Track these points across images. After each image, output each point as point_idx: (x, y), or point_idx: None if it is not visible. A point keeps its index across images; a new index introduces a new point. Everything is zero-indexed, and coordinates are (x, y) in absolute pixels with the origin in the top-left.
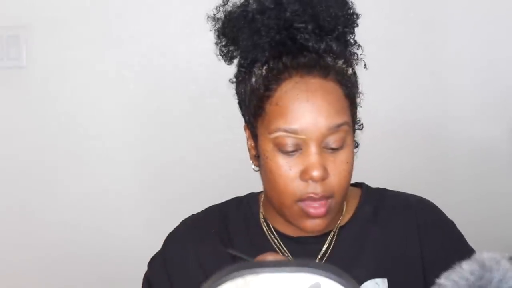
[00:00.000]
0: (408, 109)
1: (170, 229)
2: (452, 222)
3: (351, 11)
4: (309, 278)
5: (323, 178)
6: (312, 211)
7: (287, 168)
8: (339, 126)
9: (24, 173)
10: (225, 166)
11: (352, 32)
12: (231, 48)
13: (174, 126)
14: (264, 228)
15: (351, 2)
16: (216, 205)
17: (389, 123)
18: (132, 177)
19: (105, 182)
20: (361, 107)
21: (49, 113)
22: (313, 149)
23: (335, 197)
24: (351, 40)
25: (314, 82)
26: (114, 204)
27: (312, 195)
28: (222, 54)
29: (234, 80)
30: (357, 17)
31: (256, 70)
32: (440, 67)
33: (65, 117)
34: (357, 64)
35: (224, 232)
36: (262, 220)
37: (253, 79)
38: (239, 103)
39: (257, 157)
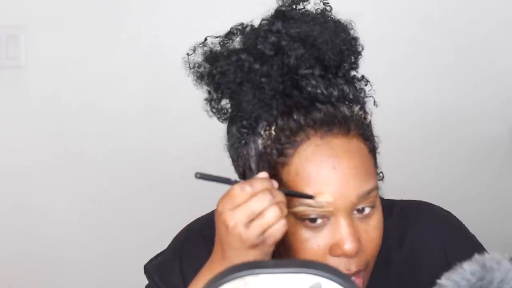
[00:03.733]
0: (408, 109)
1: (170, 228)
2: (474, 236)
3: (353, 39)
4: (310, 279)
5: (358, 252)
6: None
7: (314, 244)
8: (369, 192)
9: (24, 173)
10: (225, 166)
11: (357, 63)
12: (223, 104)
13: (174, 126)
14: None
15: (351, 24)
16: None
17: (388, 122)
18: (132, 177)
19: (105, 182)
20: (379, 153)
21: (48, 113)
22: (343, 221)
23: (368, 268)
24: (358, 76)
25: (338, 143)
26: (114, 204)
27: (346, 272)
28: (215, 111)
29: (229, 144)
30: (358, 44)
31: (261, 131)
32: (440, 67)
33: (64, 117)
34: (365, 103)
35: None
36: None
37: (259, 141)
38: (238, 167)
39: None
